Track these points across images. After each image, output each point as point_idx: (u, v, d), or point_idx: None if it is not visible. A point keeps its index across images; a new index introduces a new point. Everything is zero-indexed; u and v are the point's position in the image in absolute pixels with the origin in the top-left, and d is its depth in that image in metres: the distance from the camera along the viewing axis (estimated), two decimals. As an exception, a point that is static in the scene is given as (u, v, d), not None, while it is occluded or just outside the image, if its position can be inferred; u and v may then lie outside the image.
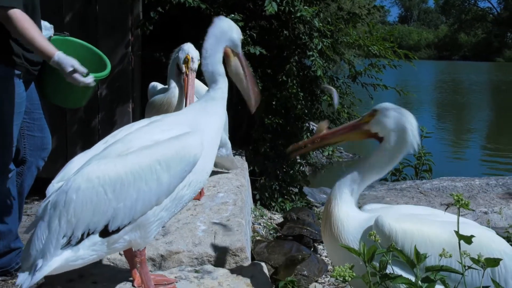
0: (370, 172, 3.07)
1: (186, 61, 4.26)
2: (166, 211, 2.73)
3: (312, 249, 4.72)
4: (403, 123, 2.92)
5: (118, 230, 2.62)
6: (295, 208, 5.64)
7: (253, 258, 4.11)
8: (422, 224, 2.85)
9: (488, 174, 9.55)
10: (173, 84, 4.39)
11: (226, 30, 2.89)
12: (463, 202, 2.25)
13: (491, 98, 23.13)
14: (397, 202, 5.90)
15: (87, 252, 2.60)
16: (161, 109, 4.38)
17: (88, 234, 2.58)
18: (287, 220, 5.20)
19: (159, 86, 4.63)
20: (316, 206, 7.02)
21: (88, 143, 2.88)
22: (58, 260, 2.55)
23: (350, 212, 3.07)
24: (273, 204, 6.23)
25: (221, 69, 2.89)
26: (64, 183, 2.64)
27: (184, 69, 4.26)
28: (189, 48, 4.30)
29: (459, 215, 2.31)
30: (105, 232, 2.61)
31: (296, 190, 6.73)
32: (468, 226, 2.43)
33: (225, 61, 2.99)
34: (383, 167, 3.05)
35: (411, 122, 2.93)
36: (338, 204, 3.07)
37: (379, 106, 3.02)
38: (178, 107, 4.36)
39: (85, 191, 2.56)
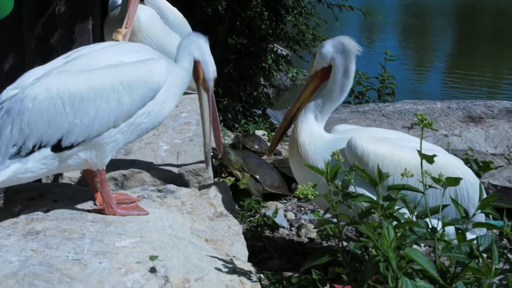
0: (330, 97, 3.15)
1: None
2: (121, 135, 2.72)
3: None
4: (337, 41, 3.12)
5: (71, 146, 2.60)
6: (246, 135, 5.57)
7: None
8: (394, 148, 2.91)
9: (450, 98, 9.66)
10: None
11: (204, 50, 3.06)
12: (427, 122, 2.26)
13: (456, 22, 23.19)
14: (359, 124, 5.93)
15: (37, 165, 2.58)
16: (115, 25, 4.23)
17: (40, 147, 2.55)
18: (234, 147, 5.18)
19: (117, 1, 4.43)
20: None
21: (46, 61, 2.81)
22: (6, 172, 2.52)
23: (316, 132, 3.12)
24: (236, 125, 6.24)
25: (191, 57, 3.02)
26: (20, 91, 2.57)
27: None
28: None
29: (422, 134, 2.33)
30: (57, 147, 2.58)
31: (259, 112, 6.74)
32: (438, 153, 2.47)
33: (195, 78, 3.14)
34: (342, 87, 3.13)
35: (344, 37, 3.14)
36: (304, 127, 3.12)
37: (315, 49, 3.30)
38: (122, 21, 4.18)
39: (42, 102, 2.52)
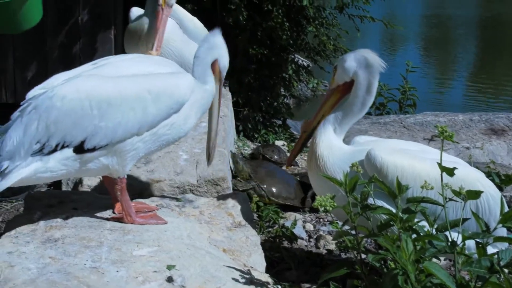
0: (350, 111, 3.13)
1: None
2: (143, 144, 2.75)
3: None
4: (360, 56, 3.07)
5: (93, 149, 2.62)
6: (266, 145, 5.57)
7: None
8: (414, 160, 2.88)
9: (472, 110, 9.57)
10: (148, 12, 4.21)
11: (218, 45, 2.96)
12: (447, 134, 2.24)
13: (479, 33, 23.03)
14: (380, 136, 5.89)
15: (58, 165, 2.60)
16: (135, 36, 4.26)
17: (63, 147, 2.58)
18: (254, 157, 5.18)
19: (138, 12, 4.43)
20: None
21: (69, 70, 2.86)
22: (27, 170, 2.54)
23: (335, 144, 3.11)
24: (256, 135, 6.24)
25: (209, 71, 2.95)
26: (49, 90, 2.61)
27: (160, 0, 4.02)
28: None
29: (442, 146, 2.31)
30: (80, 148, 2.60)
31: (279, 122, 6.73)
32: (459, 166, 2.44)
33: None
34: (363, 103, 3.11)
35: (367, 51, 3.08)
36: (322, 139, 3.12)
37: (337, 62, 3.22)
38: (148, 37, 4.19)
39: (71, 101, 2.56)
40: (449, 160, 2.82)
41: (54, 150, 2.57)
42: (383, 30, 6.42)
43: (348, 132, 3.26)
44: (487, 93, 12.52)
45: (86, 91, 2.58)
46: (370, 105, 3.21)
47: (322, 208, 2.27)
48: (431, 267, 1.98)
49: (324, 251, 3.72)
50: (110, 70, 2.74)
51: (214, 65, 2.98)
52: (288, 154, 4.84)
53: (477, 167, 4.09)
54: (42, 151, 2.56)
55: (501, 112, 7.14)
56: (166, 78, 2.77)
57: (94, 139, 2.60)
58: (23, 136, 2.53)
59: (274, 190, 4.28)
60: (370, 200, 2.53)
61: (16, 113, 2.63)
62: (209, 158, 3.22)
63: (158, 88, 2.70)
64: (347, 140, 3.27)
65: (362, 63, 3.07)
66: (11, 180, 2.52)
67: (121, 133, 2.64)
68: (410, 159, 2.88)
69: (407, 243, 1.98)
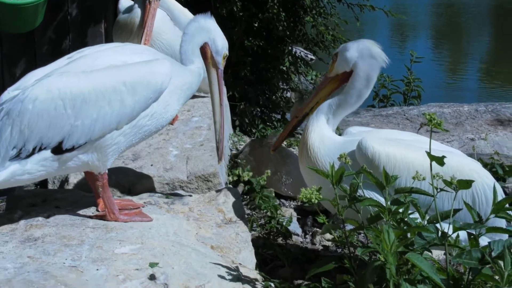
0: (345, 102, 3.12)
1: None
2: (124, 137, 2.74)
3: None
4: (363, 46, 3.05)
5: (72, 149, 2.62)
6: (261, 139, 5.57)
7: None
8: (406, 150, 2.86)
9: (481, 101, 9.52)
10: (139, 3, 4.21)
11: (210, 28, 2.95)
12: (436, 121, 2.23)
13: (489, 22, 22.92)
14: (382, 128, 5.89)
15: (36, 167, 2.60)
16: (126, 29, 4.25)
17: (40, 149, 2.57)
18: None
19: (128, 3, 4.42)
20: (300, 134, 7.00)
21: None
22: (4, 174, 2.54)
23: (327, 135, 3.09)
24: (254, 130, 6.22)
25: (197, 51, 2.95)
26: (21, 92, 2.60)
27: None
28: None
29: (431, 135, 2.30)
30: (58, 149, 2.60)
31: (278, 116, 6.70)
32: (453, 155, 2.42)
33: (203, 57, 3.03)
34: (359, 95, 3.09)
35: (370, 43, 3.05)
36: (314, 129, 3.10)
37: (338, 49, 3.19)
38: (140, 30, 4.17)
39: (43, 102, 2.55)
40: (444, 150, 2.81)
41: (32, 154, 2.57)
42: (391, 20, 6.36)
43: (348, 125, 3.25)
44: (497, 84, 12.46)
45: (58, 90, 2.56)
46: (367, 98, 3.18)
47: (307, 201, 2.26)
48: (413, 258, 1.96)
49: (320, 247, 3.70)
50: (84, 64, 2.71)
51: (205, 49, 2.97)
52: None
53: (480, 159, 4.07)
54: (20, 155, 2.55)
55: (508, 103, 7.11)
56: (141, 67, 2.74)
57: (72, 138, 2.59)
58: None
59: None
60: (360, 193, 2.51)
61: None
62: (219, 155, 3.17)
63: (133, 79, 2.68)
64: (341, 132, 3.26)
65: (365, 55, 3.04)
66: None
67: (99, 129, 2.63)
68: (403, 148, 2.86)
69: (388, 234, 1.97)
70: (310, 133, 3.10)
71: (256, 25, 6.10)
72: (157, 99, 2.77)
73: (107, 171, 2.80)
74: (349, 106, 3.12)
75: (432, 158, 2.28)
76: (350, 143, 2.98)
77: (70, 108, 2.57)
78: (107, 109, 2.63)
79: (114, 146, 2.72)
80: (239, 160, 4.51)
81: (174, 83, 2.83)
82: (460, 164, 2.85)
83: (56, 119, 2.56)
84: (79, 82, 2.60)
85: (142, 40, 3.99)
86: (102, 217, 2.84)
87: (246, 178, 3.60)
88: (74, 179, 3.58)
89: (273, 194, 4.15)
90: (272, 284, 2.86)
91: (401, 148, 2.86)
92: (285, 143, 5.14)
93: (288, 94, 7.45)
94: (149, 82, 2.72)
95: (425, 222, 2.33)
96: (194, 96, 4.95)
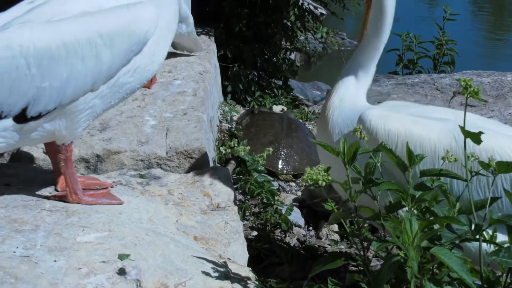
0: (367, 42, 3.17)
1: None
2: (100, 99, 2.72)
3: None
4: None
5: (39, 116, 2.60)
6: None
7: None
8: (414, 124, 2.84)
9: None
10: None
11: None
12: (472, 89, 2.22)
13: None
14: (405, 99, 5.89)
15: None
16: None
17: (0, 117, 2.56)
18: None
19: None
20: (306, 105, 7.00)
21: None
22: None
23: (348, 97, 3.11)
24: (249, 99, 6.21)
25: None
26: None
27: None
28: None
29: (466, 105, 2.29)
30: (21, 117, 2.59)
31: (279, 83, 6.70)
32: (487, 131, 2.39)
33: None
34: (377, 26, 3.13)
35: None
36: (338, 87, 3.13)
37: None
38: None
39: (1, 62, 2.52)
40: (479, 125, 2.78)
41: None
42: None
43: (368, 95, 3.25)
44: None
45: (20, 46, 2.53)
46: (387, 34, 3.18)
47: (313, 183, 2.26)
48: (440, 253, 1.97)
49: (327, 242, 3.72)
50: (50, 10, 2.66)
51: None
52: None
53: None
54: None
55: (561, 71, 7.11)
56: (120, 13, 2.68)
57: (38, 104, 2.57)
58: None
59: None
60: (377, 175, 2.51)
61: None
62: None
63: (111, 28, 2.64)
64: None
65: None
66: None
67: (71, 91, 2.61)
68: (410, 123, 2.84)
69: (411, 224, 1.97)
70: (332, 97, 3.12)
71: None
72: (140, 51, 2.74)
73: (73, 142, 2.79)
74: (371, 46, 3.15)
75: (466, 134, 2.27)
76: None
77: (35, 67, 2.55)
78: (80, 67, 2.60)
79: (88, 111, 2.70)
80: (236, 131, 4.52)
81: (160, 27, 2.79)
82: (498, 140, 2.81)
83: (18, 82, 2.54)
84: (44, 35, 2.56)
85: None
86: (62, 198, 2.85)
87: (241, 153, 3.56)
88: (28, 151, 3.58)
89: (270, 177, 4.14)
90: (268, 284, 2.89)
91: (407, 123, 2.84)
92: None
93: (292, 56, 7.45)
94: (131, 32, 2.68)
95: (455, 213, 2.34)
96: (176, 55, 4.98)
